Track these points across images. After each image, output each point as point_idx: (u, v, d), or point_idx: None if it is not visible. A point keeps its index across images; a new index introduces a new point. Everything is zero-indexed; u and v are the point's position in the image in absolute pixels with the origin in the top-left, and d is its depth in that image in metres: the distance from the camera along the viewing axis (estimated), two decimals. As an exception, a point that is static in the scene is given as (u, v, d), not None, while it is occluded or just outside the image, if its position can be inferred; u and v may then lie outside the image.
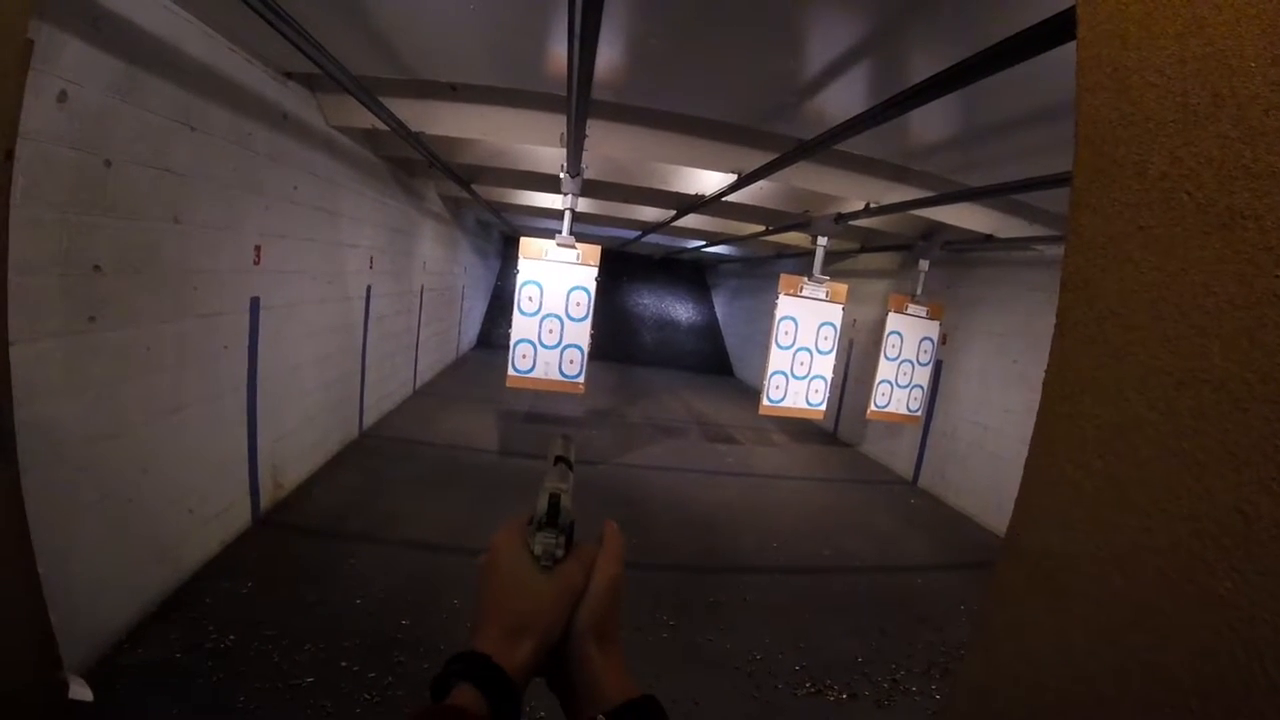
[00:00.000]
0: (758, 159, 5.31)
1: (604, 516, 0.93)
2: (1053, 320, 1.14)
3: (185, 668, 3.72)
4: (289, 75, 5.13)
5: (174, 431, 4.24)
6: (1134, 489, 0.92)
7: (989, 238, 7.30)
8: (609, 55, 3.93)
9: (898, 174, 6.01)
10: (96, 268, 3.35)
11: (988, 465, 8.32)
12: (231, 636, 4.04)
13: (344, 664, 3.97)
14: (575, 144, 5.13)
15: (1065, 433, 1.08)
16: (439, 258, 12.12)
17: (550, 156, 6.54)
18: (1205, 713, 0.78)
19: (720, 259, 18.23)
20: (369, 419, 8.77)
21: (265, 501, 5.70)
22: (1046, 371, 1.13)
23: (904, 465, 10.24)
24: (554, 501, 0.84)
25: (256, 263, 5.03)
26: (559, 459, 0.96)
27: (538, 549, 0.82)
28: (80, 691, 2.01)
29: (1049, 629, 1.07)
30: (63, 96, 3.01)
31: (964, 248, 8.25)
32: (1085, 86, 1.06)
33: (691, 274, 22.85)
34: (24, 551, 1.46)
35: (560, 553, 0.83)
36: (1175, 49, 0.90)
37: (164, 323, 4.01)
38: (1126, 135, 0.97)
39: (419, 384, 11.68)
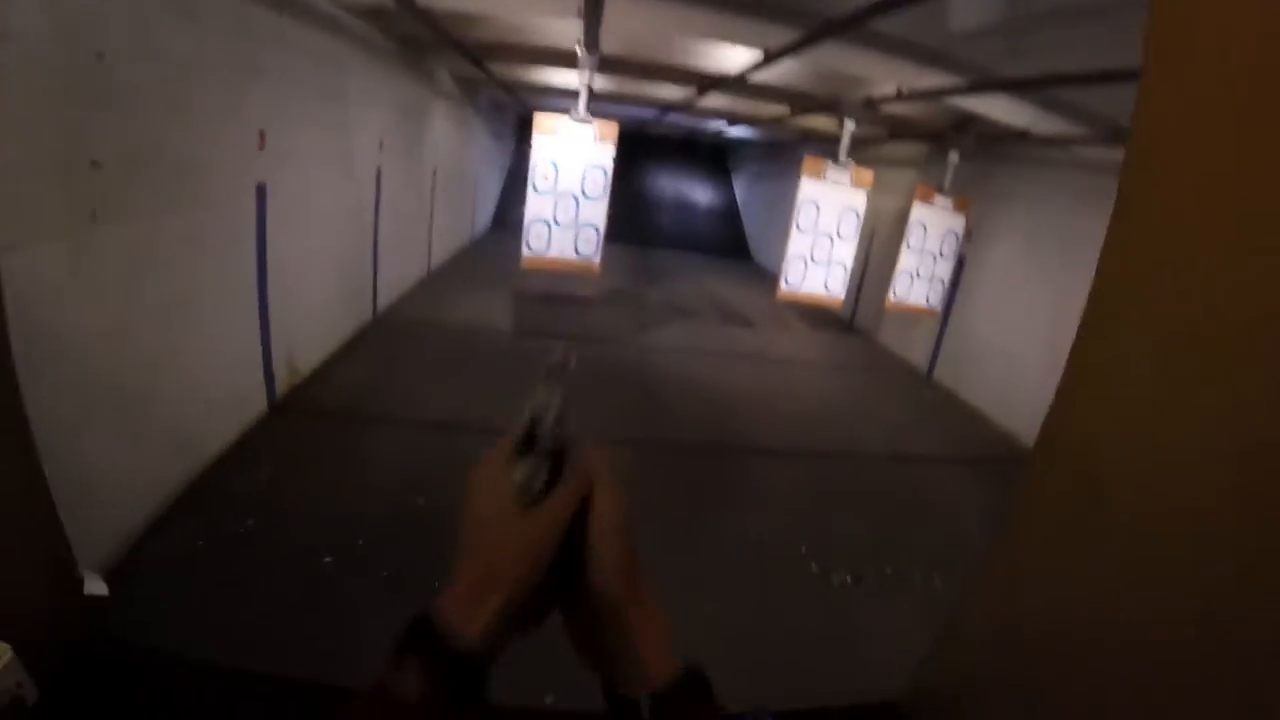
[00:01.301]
0: (786, 35, 5.02)
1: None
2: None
3: (207, 554, 3.83)
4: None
5: (185, 325, 4.22)
6: (1198, 390, 0.85)
7: (1024, 134, 6.98)
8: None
9: (934, 59, 5.68)
10: (95, 163, 3.23)
11: (1005, 364, 8.24)
12: (250, 521, 4.14)
13: (361, 543, 4.09)
14: (593, 16, 4.87)
15: (1122, 318, 1.00)
16: (451, 139, 11.83)
17: (567, 31, 6.24)
18: (1259, 642, 0.74)
19: (742, 142, 17.73)
20: (382, 302, 8.74)
21: (281, 389, 5.73)
22: (1102, 253, 1.04)
23: (919, 358, 10.20)
24: (532, 422, 0.71)
25: (261, 148, 4.87)
26: (551, 370, 0.81)
27: (517, 478, 0.70)
28: (96, 586, 2.04)
29: (1088, 535, 1.02)
30: None
31: (997, 142, 7.92)
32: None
33: (712, 156, 22.27)
34: (26, 454, 1.44)
35: (540, 484, 0.70)
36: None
37: (168, 215, 3.91)
38: (1205, 23, 0.86)
39: (433, 266, 11.62)
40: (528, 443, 0.71)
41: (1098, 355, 1.07)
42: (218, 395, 4.72)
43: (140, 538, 3.84)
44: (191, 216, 4.15)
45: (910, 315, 9.31)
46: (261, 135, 4.85)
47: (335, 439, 5.34)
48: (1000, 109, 6.42)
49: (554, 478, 0.71)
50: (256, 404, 5.38)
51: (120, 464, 3.66)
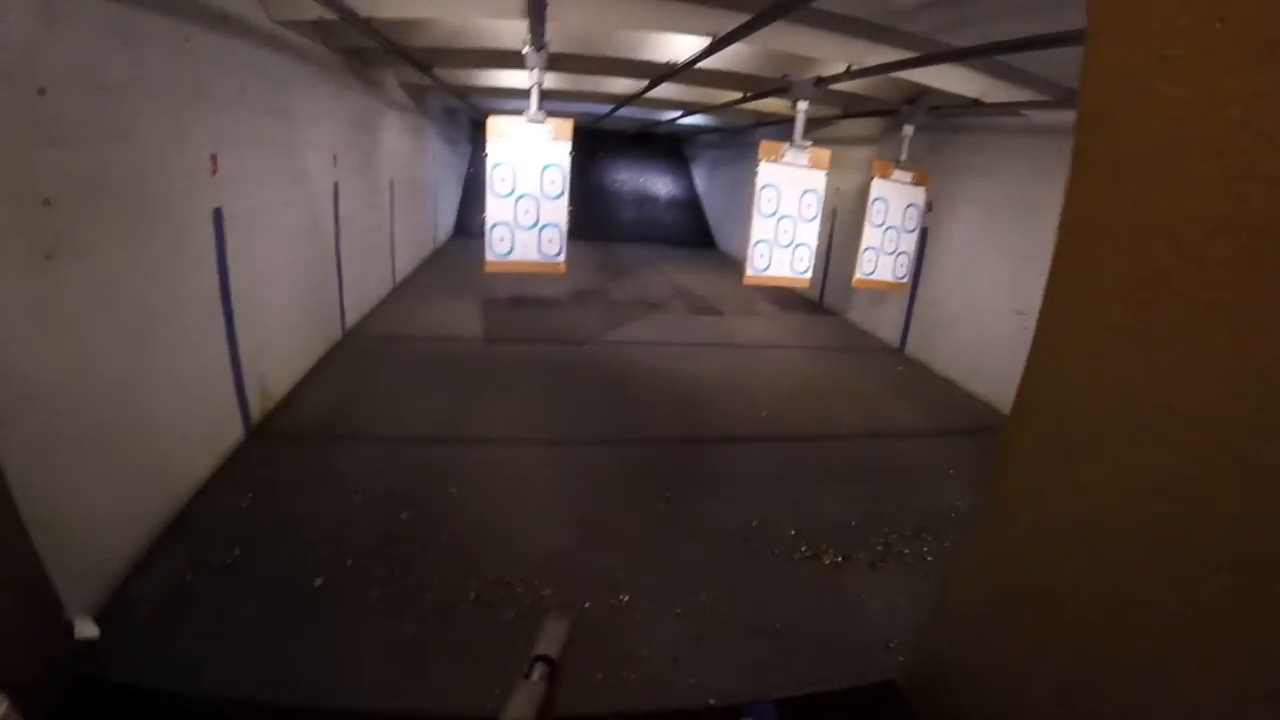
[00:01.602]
0: (733, 20, 5.03)
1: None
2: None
3: (196, 587, 3.76)
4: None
5: (152, 357, 4.12)
6: (1160, 346, 0.86)
7: (976, 102, 7.05)
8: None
9: (881, 34, 5.73)
10: (46, 202, 3.15)
11: (974, 332, 8.33)
12: (237, 550, 4.06)
13: (350, 563, 4.03)
14: (537, 14, 4.84)
15: (1082, 284, 1.01)
16: (406, 149, 11.74)
17: (512, 31, 6.19)
18: (1240, 589, 0.75)
19: (698, 130, 17.76)
20: (350, 319, 8.65)
21: (255, 414, 5.64)
22: (1061, 217, 1.05)
23: (890, 333, 10.28)
24: None
25: (214, 173, 4.77)
26: (538, 659, 0.74)
27: None
28: (87, 629, 2.01)
29: (1064, 497, 1.03)
30: None
31: (950, 113, 7.99)
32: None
33: (669, 147, 22.29)
34: (2, 502, 1.43)
35: None
36: None
37: (125, 248, 3.82)
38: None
39: (398, 279, 11.52)
40: None
41: (1062, 319, 1.08)
42: (192, 425, 4.64)
43: (126, 576, 3.75)
44: (149, 247, 4.06)
45: (879, 291, 9.38)
46: (213, 159, 4.75)
47: (315, 460, 5.27)
48: (951, 79, 6.49)
49: None
50: (232, 431, 5.29)
51: (99, 502, 3.57)
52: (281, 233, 6.21)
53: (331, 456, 5.35)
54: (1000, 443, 1.29)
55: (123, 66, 3.73)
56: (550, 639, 0.76)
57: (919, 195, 8.52)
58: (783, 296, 12.47)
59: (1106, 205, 0.97)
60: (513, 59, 6.70)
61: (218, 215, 4.85)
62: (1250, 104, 0.75)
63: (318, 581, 3.85)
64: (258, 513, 4.52)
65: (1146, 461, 0.87)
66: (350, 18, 4.89)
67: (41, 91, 3.11)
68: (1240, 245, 0.76)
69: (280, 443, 5.54)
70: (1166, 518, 0.84)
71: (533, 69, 6.34)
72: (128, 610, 3.50)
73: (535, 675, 0.73)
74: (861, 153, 11.06)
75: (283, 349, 6.37)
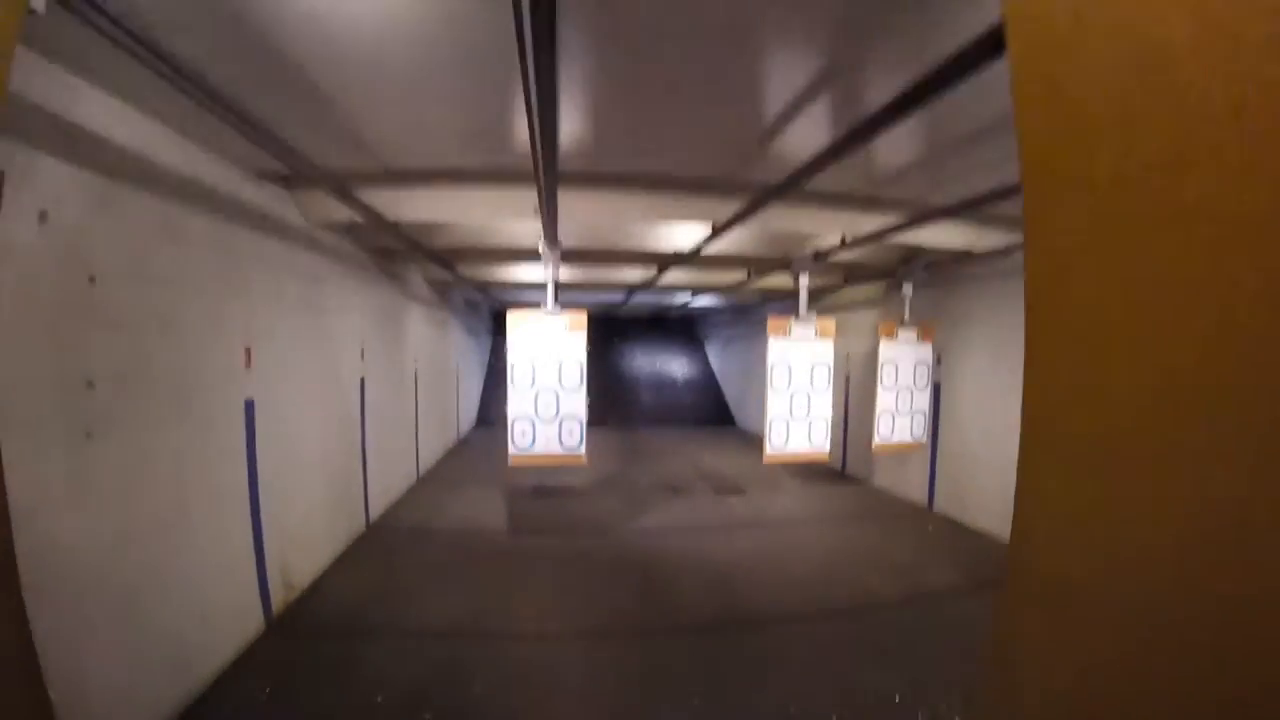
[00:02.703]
0: (730, 207, 5.37)
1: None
2: None
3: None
4: (263, 176, 5.21)
5: (178, 540, 4.19)
6: (1126, 498, 0.89)
7: (967, 253, 7.34)
8: (571, 127, 4.01)
9: (869, 204, 6.06)
10: (89, 383, 3.36)
11: (998, 479, 8.19)
12: (253, 749, 3.93)
13: (370, 768, 3.86)
14: (550, 215, 5.19)
15: (1049, 446, 1.06)
16: (430, 341, 12.18)
17: (527, 230, 6.61)
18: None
19: (709, 310, 18.31)
20: (375, 510, 8.67)
21: (277, 603, 5.58)
22: (1024, 388, 1.10)
23: (917, 493, 10.13)
24: None
25: (247, 365, 5.03)
26: None
27: None
28: None
29: (1058, 649, 1.03)
30: (43, 217, 3.06)
31: (946, 266, 8.29)
32: (1022, 100, 1.06)
33: (682, 329, 22.93)
34: (32, 677, 1.45)
35: None
36: (1106, 50, 0.90)
37: (160, 432, 3.99)
38: (1069, 145, 0.97)
39: (422, 470, 11.62)
40: None
41: (1035, 480, 1.12)
42: (214, 612, 4.62)
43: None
44: (182, 433, 4.22)
45: (899, 453, 9.34)
46: (247, 352, 5.02)
47: (336, 654, 5.13)
48: (940, 235, 6.77)
49: None
50: (253, 620, 5.23)
51: (118, 681, 3.53)
52: (308, 424, 6.39)
53: (353, 650, 5.21)
54: (996, 600, 1.29)
55: (168, 260, 4.05)
56: None
57: (927, 352, 8.67)
58: (806, 469, 12.38)
59: (1061, 373, 1.03)
60: (530, 255, 7.10)
61: (249, 406, 5.05)
62: (1172, 266, 0.83)
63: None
64: (276, 705, 4.37)
65: (1131, 605, 0.89)
66: (380, 221, 5.27)
67: (91, 280, 3.38)
68: (1181, 400, 0.81)
69: (301, 635, 5.42)
70: (1155, 655, 0.85)
71: (548, 264, 6.69)
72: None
73: None
74: (867, 316, 11.35)
75: (306, 539, 6.38)
